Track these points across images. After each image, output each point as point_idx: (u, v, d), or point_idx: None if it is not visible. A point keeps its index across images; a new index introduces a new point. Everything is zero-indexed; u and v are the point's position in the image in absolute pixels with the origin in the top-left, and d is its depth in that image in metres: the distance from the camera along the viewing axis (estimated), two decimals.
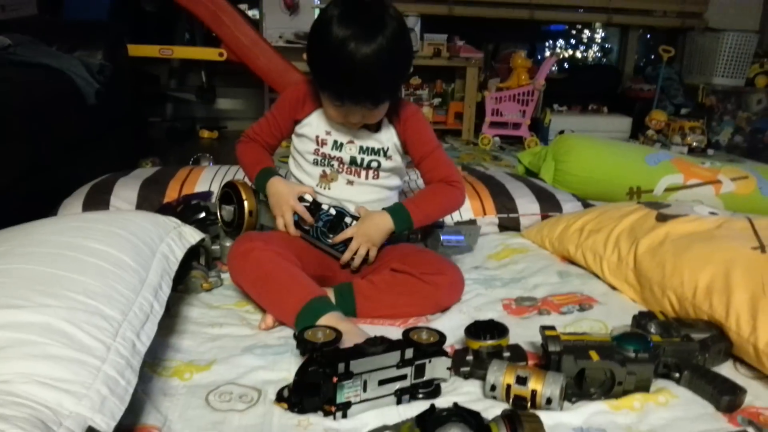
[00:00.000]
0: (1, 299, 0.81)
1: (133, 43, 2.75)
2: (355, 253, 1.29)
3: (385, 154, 1.33)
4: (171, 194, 1.71)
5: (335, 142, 1.31)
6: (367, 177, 1.34)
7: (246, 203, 1.36)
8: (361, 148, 1.32)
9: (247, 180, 1.43)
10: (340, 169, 1.33)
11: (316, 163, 1.33)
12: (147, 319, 0.95)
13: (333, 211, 1.30)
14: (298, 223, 1.30)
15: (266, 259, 1.19)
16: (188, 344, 1.11)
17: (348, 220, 1.30)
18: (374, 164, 1.33)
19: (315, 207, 1.30)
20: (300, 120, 1.33)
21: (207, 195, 1.70)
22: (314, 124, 1.32)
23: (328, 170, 1.33)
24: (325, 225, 1.30)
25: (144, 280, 1.02)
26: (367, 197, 1.34)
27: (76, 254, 0.97)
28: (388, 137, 1.33)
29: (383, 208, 1.32)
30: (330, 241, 1.30)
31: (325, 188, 1.34)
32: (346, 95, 1.20)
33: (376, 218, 1.30)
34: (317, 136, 1.32)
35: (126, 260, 1.02)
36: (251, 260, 1.20)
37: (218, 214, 1.46)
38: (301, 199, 1.30)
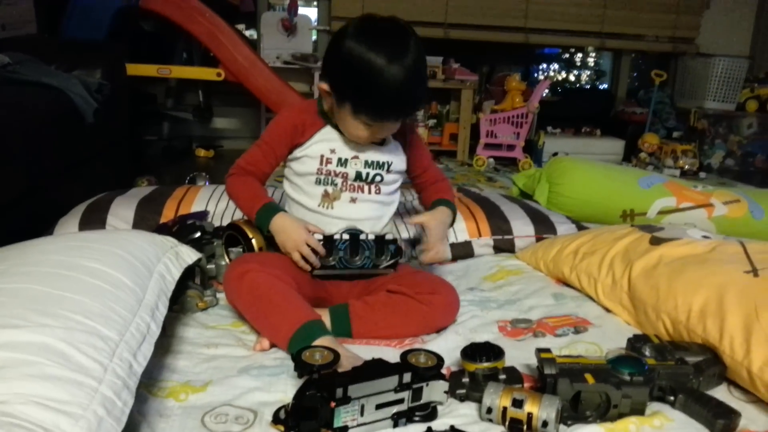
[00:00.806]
0: None
1: (132, 63, 2.77)
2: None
3: (388, 168, 1.34)
4: (168, 213, 1.71)
5: (339, 158, 1.31)
6: (369, 192, 1.34)
7: (254, 241, 1.37)
8: (366, 162, 1.32)
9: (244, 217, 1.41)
10: (343, 186, 1.32)
11: (318, 182, 1.32)
12: (144, 339, 0.95)
13: (346, 236, 1.28)
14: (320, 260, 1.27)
15: (261, 281, 1.19)
16: (184, 365, 1.10)
17: (363, 237, 1.29)
18: (377, 178, 1.34)
19: (327, 240, 1.27)
20: (301, 143, 1.32)
21: (203, 215, 1.70)
22: (318, 145, 1.31)
23: (330, 189, 1.32)
24: (345, 252, 1.28)
25: (141, 300, 1.02)
26: (368, 213, 1.34)
27: (73, 274, 0.97)
28: (393, 151, 1.36)
29: (436, 204, 1.42)
30: (357, 262, 1.29)
31: (327, 208, 1.32)
32: (388, 114, 1.23)
33: (438, 216, 1.39)
34: (322, 156, 1.31)
35: (123, 280, 1.02)
36: (246, 282, 1.20)
37: (226, 258, 1.45)
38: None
